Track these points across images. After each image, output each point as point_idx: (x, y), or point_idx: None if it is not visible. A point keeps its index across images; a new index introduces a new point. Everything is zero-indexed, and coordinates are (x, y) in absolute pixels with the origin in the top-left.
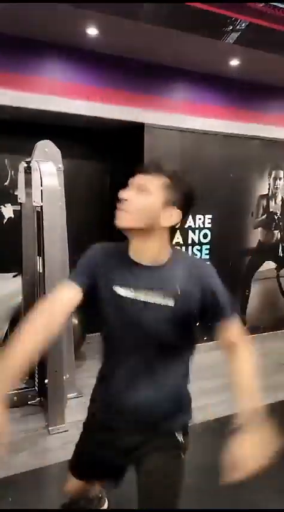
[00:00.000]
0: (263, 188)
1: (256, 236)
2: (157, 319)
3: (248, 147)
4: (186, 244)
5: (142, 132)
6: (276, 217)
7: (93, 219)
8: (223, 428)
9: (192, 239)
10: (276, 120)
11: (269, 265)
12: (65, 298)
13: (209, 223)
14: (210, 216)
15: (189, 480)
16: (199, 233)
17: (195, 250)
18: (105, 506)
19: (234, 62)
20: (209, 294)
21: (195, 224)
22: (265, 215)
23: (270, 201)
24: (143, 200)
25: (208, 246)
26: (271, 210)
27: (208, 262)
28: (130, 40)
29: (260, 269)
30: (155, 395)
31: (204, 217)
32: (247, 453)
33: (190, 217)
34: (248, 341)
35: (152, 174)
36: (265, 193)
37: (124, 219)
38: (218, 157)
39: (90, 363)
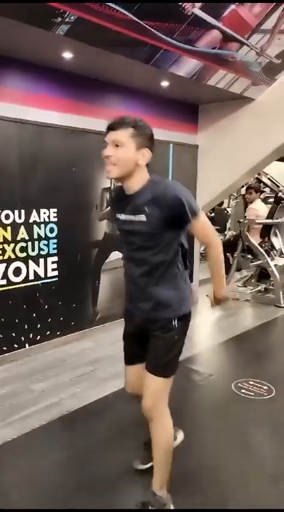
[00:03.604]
0: (106, 182)
1: (102, 228)
2: (139, 230)
3: (89, 141)
4: (32, 239)
5: None
6: None
7: None
8: (76, 423)
9: (38, 234)
10: (113, 114)
11: (116, 255)
12: None
13: (55, 217)
14: (55, 210)
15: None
16: (45, 227)
17: (41, 245)
18: (180, 439)
19: (68, 55)
20: (169, 214)
21: (39, 218)
22: (109, 207)
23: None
24: (122, 153)
25: (55, 240)
26: None
27: (172, 184)
28: None
29: (108, 260)
30: (150, 300)
31: (49, 211)
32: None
33: (35, 211)
34: (213, 235)
35: (120, 129)
36: (107, 186)
37: (113, 171)
38: (60, 151)
39: None
